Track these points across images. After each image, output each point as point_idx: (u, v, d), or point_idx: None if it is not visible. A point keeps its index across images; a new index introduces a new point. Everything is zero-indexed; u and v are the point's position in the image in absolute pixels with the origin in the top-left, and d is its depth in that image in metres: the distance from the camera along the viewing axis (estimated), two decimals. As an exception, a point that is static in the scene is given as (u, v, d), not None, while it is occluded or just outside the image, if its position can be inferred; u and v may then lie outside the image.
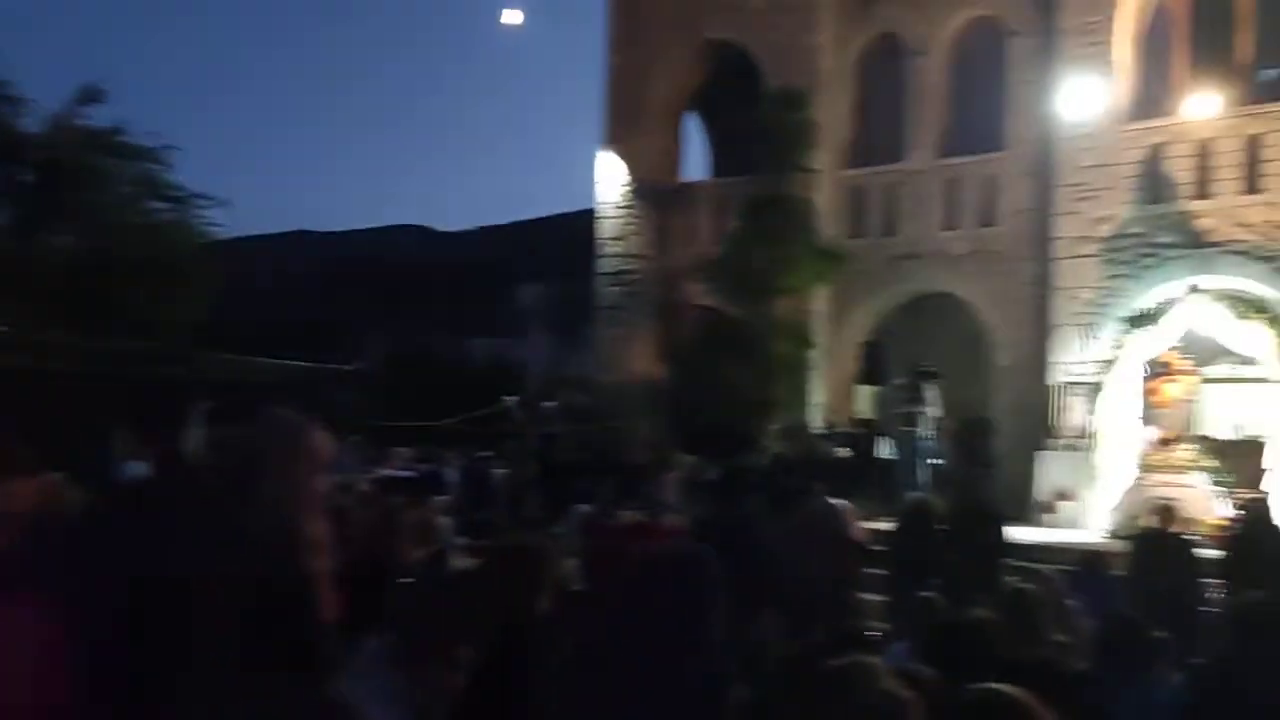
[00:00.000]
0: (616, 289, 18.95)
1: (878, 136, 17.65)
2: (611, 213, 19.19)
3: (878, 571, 8.36)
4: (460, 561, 6.60)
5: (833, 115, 17.27)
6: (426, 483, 11.81)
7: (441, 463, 14.16)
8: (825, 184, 17.10)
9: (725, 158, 20.30)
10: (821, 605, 2.66)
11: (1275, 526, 9.19)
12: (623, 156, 19.06)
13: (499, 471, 14.31)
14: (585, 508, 9.24)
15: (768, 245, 16.28)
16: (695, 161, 21.04)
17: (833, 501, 2.94)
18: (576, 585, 3.77)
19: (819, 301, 16.99)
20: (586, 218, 20.13)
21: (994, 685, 2.05)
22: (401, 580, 5.25)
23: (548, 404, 17.49)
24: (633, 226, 18.93)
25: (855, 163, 17.45)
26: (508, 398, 17.11)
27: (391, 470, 12.87)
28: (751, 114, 16.87)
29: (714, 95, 19.40)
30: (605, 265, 19.18)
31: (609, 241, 19.17)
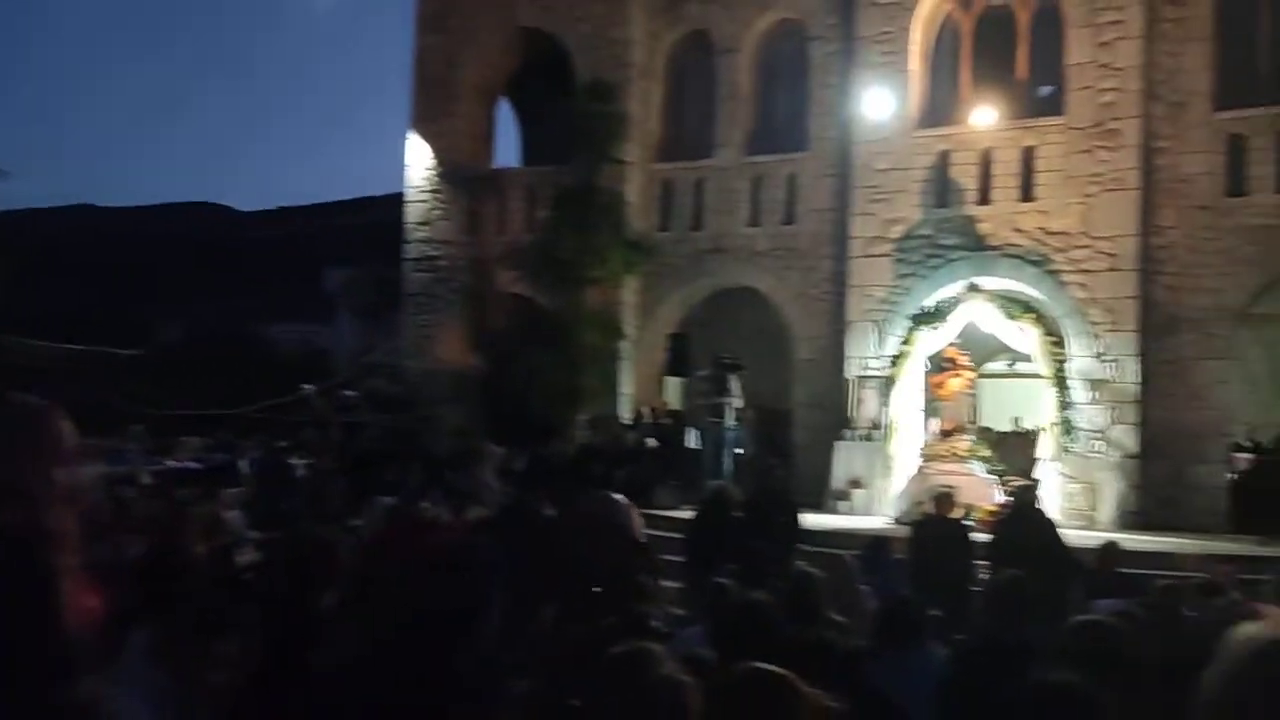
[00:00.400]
0: (426, 275, 18.58)
1: (688, 132, 18.00)
2: (420, 196, 18.80)
3: (677, 559, 8.55)
4: (248, 555, 6.35)
5: (644, 109, 17.49)
6: (217, 474, 11.27)
7: (236, 453, 13.56)
8: (636, 176, 17.31)
9: (538, 146, 20.24)
10: (605, 595, 2.70)
11: (1040, 511, 9.95)
12: (432, 139, 18.69)
13: (299, 462, 13.82)
14: (387, 499, 9.04)
15: (578, 235, 16.34)
16: (508, 148, 20.89)
17: (612, 496, 2.98)
18: (362, 579, 3.69)
19: (629, 293, 17.19)
20: (397, 201, 19.66)
21: (757, 664, 2.12)
22: (184, 574, 5.00)
23: (349, 392, 17.00)
24: (441, 211, 18.61)
25: (665, 157, 17.73)
26: (306, 385, 16.53)
27: (178, 462, 12.22)
28: (564, 103, 16.88)
29: (528, 82, 19.29)
30: (414, 250, 18.78)
31: (417, 226, 18.78)
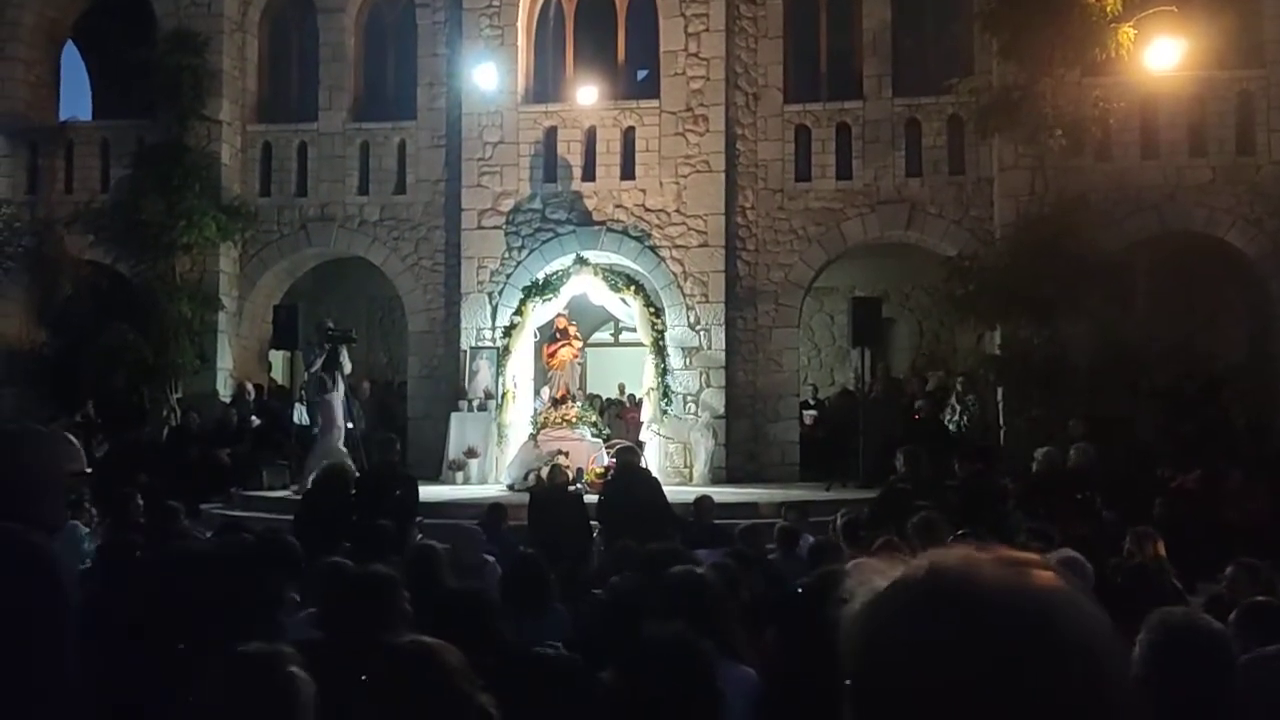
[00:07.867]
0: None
1: (290, 93, 17.07)
2: (-31, 150, 16.30)
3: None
4: None
5: (239, 65, 16.34)
6: None
7: None
8: (231, 137, 16.15)
9: (112, 97, 18.28)
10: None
11: (642, 470, 10.63)
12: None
13: None
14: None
15: (164, 197, 15.00)
16: (77, 98, 18.66)
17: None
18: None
19: (226, 261, 16.06)
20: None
21: (410, 638, 2.12)
22: None
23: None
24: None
25: (265, 117, 16.71)
26: None
27: None
28: (143, 53, 15.36)
29: (100, 26, 17.34)
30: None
31: (-34, 183, 16.27)
